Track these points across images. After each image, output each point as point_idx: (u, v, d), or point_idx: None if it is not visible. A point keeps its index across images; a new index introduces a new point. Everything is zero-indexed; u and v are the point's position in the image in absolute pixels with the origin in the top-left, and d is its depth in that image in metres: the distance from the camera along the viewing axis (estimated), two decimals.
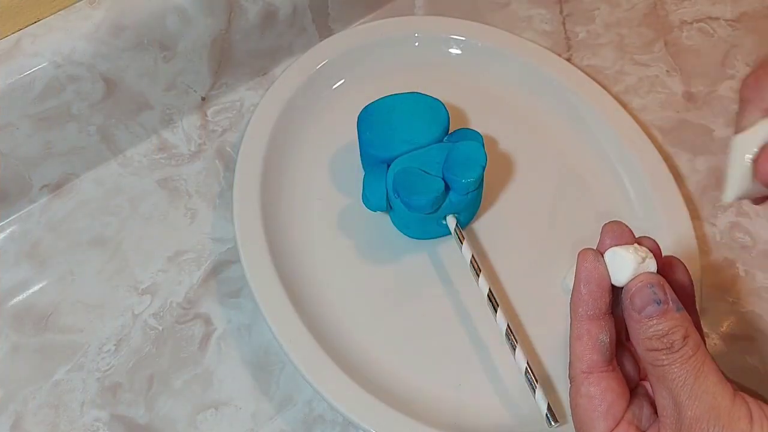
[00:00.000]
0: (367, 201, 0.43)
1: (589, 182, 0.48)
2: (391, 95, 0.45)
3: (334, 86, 0.51)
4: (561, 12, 0.57)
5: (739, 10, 0.58)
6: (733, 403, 0.26)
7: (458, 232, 0.42)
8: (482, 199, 0.45)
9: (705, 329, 0.43)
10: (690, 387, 0.26)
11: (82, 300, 0.43)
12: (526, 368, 0.38)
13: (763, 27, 0.57)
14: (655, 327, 0.27)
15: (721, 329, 0.44)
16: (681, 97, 0.53)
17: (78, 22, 0.42)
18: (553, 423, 0.37)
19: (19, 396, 0.40)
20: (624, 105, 0.51)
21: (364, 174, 0.44)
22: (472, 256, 0.41)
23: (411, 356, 0.42)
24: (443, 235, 0.44)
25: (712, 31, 0.57)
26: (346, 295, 0.43)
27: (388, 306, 0.43)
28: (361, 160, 0.46)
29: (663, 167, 0.47)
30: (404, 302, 0.43)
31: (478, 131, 0.44)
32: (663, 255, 0.30)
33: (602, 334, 0.29)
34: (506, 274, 0.45)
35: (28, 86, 0.41)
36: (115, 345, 0.42)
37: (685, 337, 0.27)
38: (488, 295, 0.40)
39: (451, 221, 0.43)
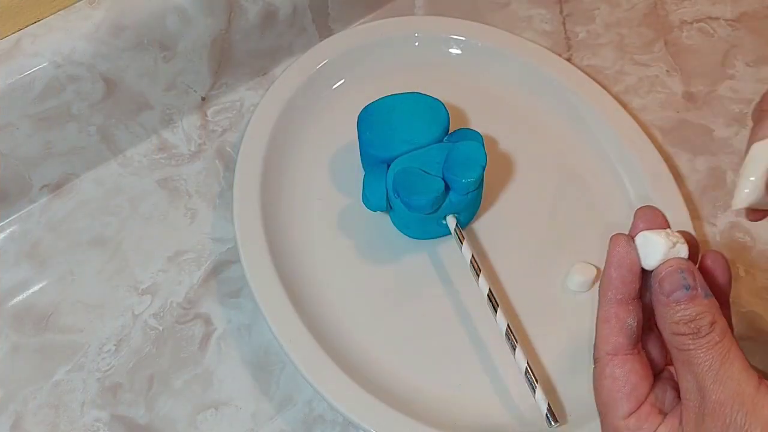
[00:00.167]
0: (367, 201, 0.43)
1: (589, 182, 0.48)
2: (391, 95, 0.45)
3: (334, 86, 0.51)
4: (561, 12, 0.57)
5: (739, 10, 0.58)
6: (758, 390, 0.26)
7: (458, 232, 0.42)
8: (482, 199, 0.45)
9: None
10: (715, 372, 0.26)
11: (82, 300, 0.43)
12: (526, 368, 0.38)
13: (763, 27, 0.57)
14: (682, 312, 0.27)
15: None
16: (681, 97, 0.53)
17: (78, 22, 0.42)
18: (553, 423, 0.37)
19: (19, 396, 0.40)
20: (624, 105, 0.51)
21: (364, 174, 0.44)
22: (472, 256, 0.41)
23: (411, 356, 0.42)
24: (443, 235, 0.44)
25: (712, 31, 0.57)
26: (346, 295, 0.43)
27: (388, 306, 0.43)
28: (361, 160, 0.46)
29: (663, 167, 0.47)
30: (404, 302, 0.43)
31: (478, 131, 0.44)
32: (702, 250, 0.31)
33: (629, 318, 0.29)
34: (506, 274, 0.45)
35: (28, 86, 0.41)
36: (115, 345, 0.42)
37: (712, 323, 0.27)
38: (488, 295, 0.40)
39: (451, 221, 0.43)
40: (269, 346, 0.42)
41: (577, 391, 0.40)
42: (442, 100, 0.45)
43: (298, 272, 0.43)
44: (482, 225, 0.46)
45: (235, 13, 0.47)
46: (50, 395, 0.40)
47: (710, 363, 0.27)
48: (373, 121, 0.44)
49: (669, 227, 0.29)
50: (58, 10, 0.42)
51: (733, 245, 0.47)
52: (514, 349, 0.39)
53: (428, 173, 0.42)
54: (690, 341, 0.27)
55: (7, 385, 0.40)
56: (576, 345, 0.42)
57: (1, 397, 0.40)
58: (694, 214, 0.48)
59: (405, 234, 0.45)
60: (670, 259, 0.28)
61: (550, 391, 0.41)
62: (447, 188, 0.42)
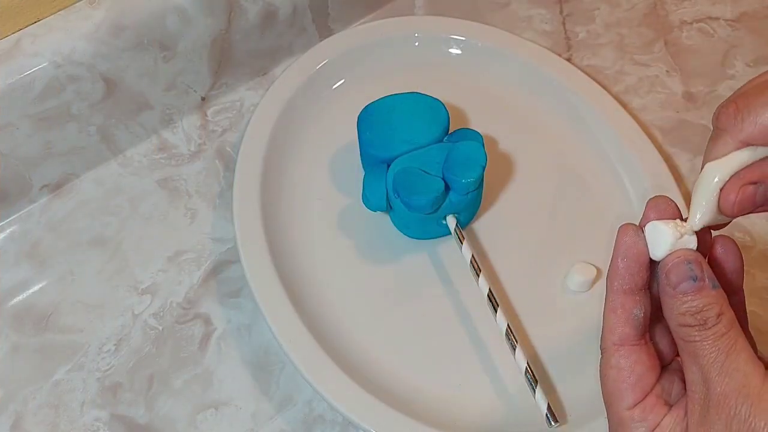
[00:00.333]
0: (367, 201, 0.43)
1: (589, 182, 0.48)
2: (391, 95, 0.45)
3: (334, 86, 0.51)
4: (561, 12, 0.57)
5: (739, 10, 0.58)
6: (764, 382, 0.26)
7: (458, 232, 0.42)
8: (482, 199, 0.45)
9: None
10: (721, 364, 0.26)
11: (82, 300, 0.43)
12: (526, 368, 0.38)
13: (763, 27, 0.57)
14: (689, 303, 0.27)
15: None
16: (681, 97, 0.53)
17: (78, 22, 0.42)
18: (553, 423, 0.37)
19: (19, 396, 0.40)
20: (624, 105, 0.51)
21: (364, 174, 0.44)
22: (472, 256, 0.41)
23: (411, 356, 0.42)
24: (443, 235, 0.44)
25: (712, 31, 0.57)
26: (346, 295, 0.43)
27: (388, 306, 0.43)
28: (361, 160, 0.46)
29: (663, 167, 0.47)
30: (404, 302, 0.43)
31: (478, 131, 0.44)
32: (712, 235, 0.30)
33: (636, 309, 0.29)
34: (506, 274, 0.45)
35: (28, 86, 0.41)
36: (115, 345, 0.42)
37: (719, 315, 0.27)
38: (488, 295, 0.40)
39: (451, 221, 0.43)
40: (269, 346, 0.42)
41: (577, 391, 0.40)
42: (442, 100, 0.45)
43: (298, 272, 0.43)
44: (482, 225, 0.46)
45: (235, 13, 0.47)
46: (50, 395, 0.40)
47: (716, 355, 0.26)
48: (373, 121, 0.44)
49: (681, 217, 0.29)
50: (58, 10, 0.42)
51: None
52: (514, 349, 0.39)
53: (428, 173, 0.42)
54: (696, 333, 0.27)
55: (7, 385, 0.40)
56: (576, 345, 0.42)
57: (1, 397, 0.40)
58: None
59: (405, 234, 0.45)
60: (677, 250, 0.28)
61: (550, 391, 0.41)
62: (447, 188, 0.42)
